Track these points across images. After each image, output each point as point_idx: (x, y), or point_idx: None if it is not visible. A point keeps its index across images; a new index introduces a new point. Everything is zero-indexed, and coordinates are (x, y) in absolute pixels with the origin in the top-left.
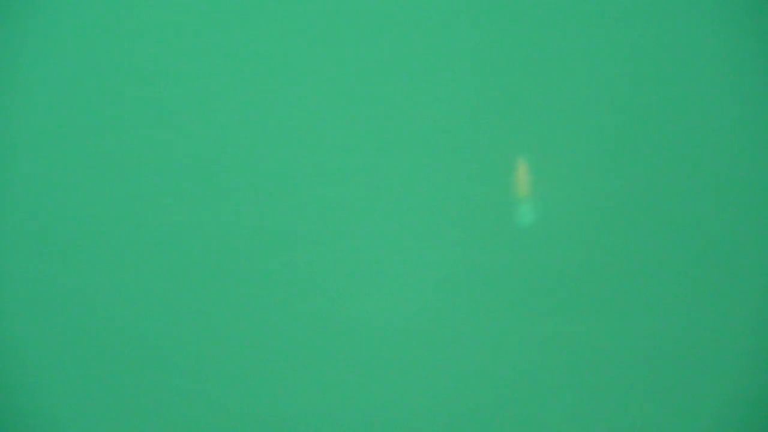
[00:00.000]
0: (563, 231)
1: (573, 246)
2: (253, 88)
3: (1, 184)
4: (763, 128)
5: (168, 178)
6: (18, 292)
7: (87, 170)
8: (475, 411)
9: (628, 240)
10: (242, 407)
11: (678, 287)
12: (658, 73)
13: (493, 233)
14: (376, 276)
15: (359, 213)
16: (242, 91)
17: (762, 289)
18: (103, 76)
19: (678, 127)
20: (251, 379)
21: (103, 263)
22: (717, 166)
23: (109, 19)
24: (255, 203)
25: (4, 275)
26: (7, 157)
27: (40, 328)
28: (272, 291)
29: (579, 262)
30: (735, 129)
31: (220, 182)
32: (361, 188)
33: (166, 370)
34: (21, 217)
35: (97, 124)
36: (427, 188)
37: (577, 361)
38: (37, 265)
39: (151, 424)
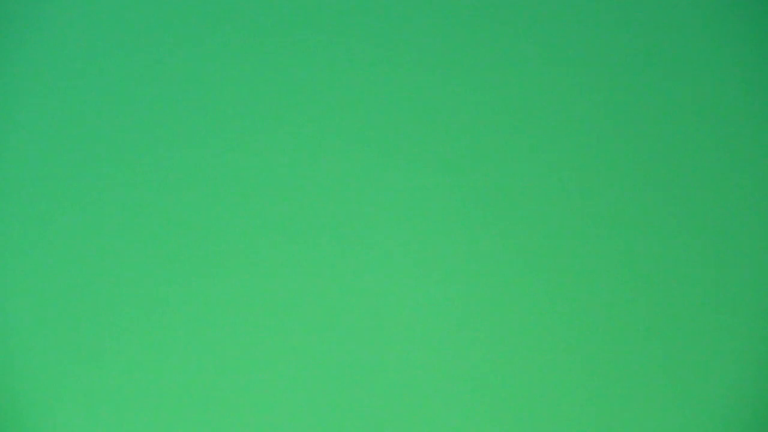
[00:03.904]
0: (564, 231)
1: (574, 246)
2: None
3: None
4: (763, 128)
5: (170, 180)
6: (17, 292)
7: (86, 171)
8: (472, 411)
9: (630, 242)
10: (244, 408)
11: (678, 287)
12: (655, 78)
13: (494, 234)
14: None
15: (360, 210)
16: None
17: (762, 288)
18: (103, 80)
19: (677, 128)
20: (253, 383)
21: (104, 265)
22: (716, 169)
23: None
24: (257, 201)
25: (5, 277)
26: (7, 159)
27: (39, 329)
28: (274, 294)
29: (581, 261)
30: (734, 132)
31: (220, 184)
32: (362, 186)
33: (167, 371)
34: (20, 218)
35: (95, 126)
36: (430, 189)
37: (578, 361)
38: (37, 268)
39: (152, 424)
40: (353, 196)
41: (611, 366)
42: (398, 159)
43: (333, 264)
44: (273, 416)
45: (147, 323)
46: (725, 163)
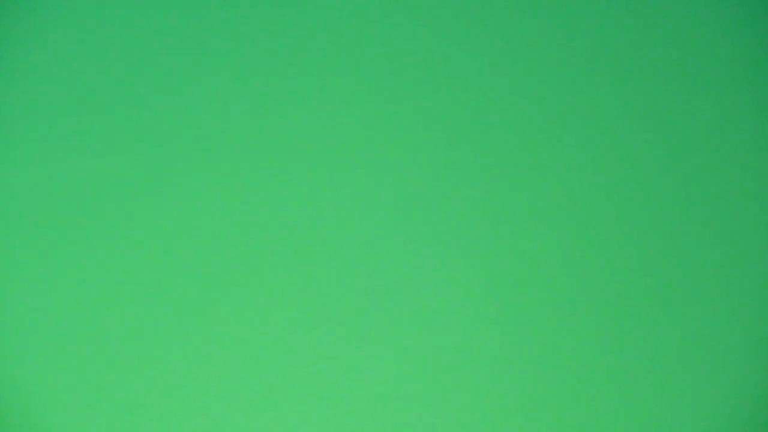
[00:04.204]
0: (565, 233)
1: (576, 248)
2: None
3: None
4: (764, 127)
5: (166, 182)
6: (18, 297)
7: (85, 179)
8: (484, 413)
9: (632, 246)
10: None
11: (679, 287)
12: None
13: (511, 235)
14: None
15: (364, 215)
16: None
17: (762, 288)
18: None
19: (678, 128)
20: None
21: (106, 268)
22: (717, 170)
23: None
24: (268, 198)
25: (5, 281)
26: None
27: (40, 336)
28: (278, 296)
29: (583, 263)
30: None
31: (220, 186)
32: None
33: (166, 370)
34: (20, 223)
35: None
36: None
37: (579, 363)
38: (35, 268)
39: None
40: (370, 195)
41: (625, 365)
42: (417, 158)
43: (350, 262)
44: (279, 418)
45: (145, 323)
46: (736, 166)
